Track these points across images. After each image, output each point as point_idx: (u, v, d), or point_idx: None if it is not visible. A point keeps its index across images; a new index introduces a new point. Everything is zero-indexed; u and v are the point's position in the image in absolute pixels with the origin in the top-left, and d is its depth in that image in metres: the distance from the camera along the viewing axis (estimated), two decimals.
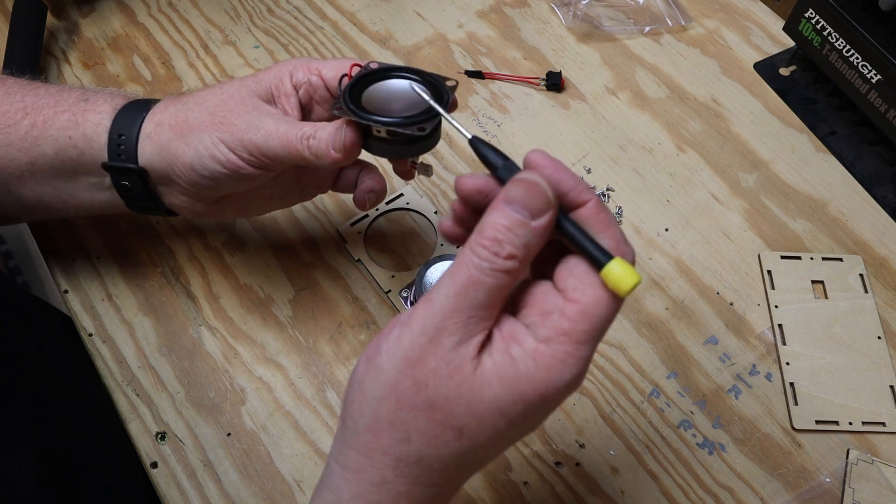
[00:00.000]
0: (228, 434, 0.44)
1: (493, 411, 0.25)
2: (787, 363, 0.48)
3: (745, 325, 0.50)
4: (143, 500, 0.42)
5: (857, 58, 0.55)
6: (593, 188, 0.55)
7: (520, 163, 0.28)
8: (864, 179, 0.57)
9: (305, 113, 0.41)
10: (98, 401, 0.45)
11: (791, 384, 0.47)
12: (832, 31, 0.57)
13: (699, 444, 0.45)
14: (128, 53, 0.64)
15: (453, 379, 0.25)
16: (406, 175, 0.43)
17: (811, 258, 0.52)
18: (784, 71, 0.63)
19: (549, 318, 0.26)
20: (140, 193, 0.40)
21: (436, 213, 0.54)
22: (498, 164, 0.28)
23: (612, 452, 0.45)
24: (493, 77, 0.62)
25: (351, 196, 0.43)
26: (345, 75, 0.38)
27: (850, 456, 0.44)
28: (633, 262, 0.27)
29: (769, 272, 0.52)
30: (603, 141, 0.59)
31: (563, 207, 0.27)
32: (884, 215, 0.55)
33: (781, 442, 0.45)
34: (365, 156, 0.44)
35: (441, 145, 0.58)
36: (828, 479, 0.44)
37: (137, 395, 0.46)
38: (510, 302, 0.28)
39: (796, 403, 0.46)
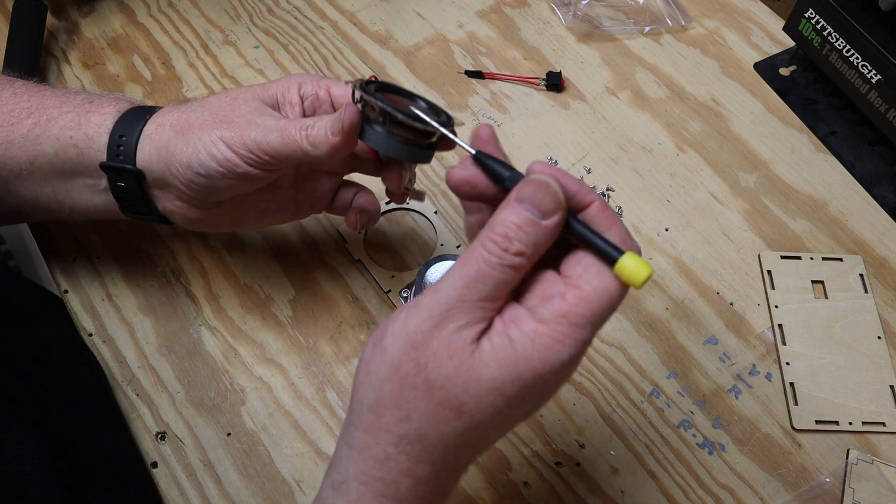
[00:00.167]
0: (228, 434, 0.44)
1: (491, 391, 0.26)
2: (787, 363, 0.48)
3: (745, 325, 0.50)
4: (146, 498, 0.42)
5: (857, 58, 0.55)
6: (593, 188, 0.55)
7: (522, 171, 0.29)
8: (864, 179, 0.57)
9: None
10: (101, 396, 0.45)
11: (791, 384, 0.47)
12: (832, 31, 0.57)
13: (699, 444, 0.45)
14: (128, 53, 0.64)
15: (452, 360, 0.26)
16: (397, 198, 0.44)
17: (811, 258, 0.52)
18: (784, 71, 0.63)
19: (549, 301, 0.27)
20: (135, 196, 0.40)
21: (436, 212, 0.54)
22: (504, 175, 0.29)
23: (612, 452, 0.45)
24: (493, 77, 0.62)
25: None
26: (359, 79, 0.39)
27: (850, 456, 0.44)
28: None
29: (769, 272, 0.52)
30: (603, 141, 0.59)
31: (570, 209, 0.28)
32: (884, 215, 0.55)
33: (781, 442, 0.45)
34: (362, 180, 0.44)
35: None
36: (828, 479, 0.44)
37: (137, 395, 0.46)
38: (514, 289, 0.29)
39: (796, 403, 0.46)
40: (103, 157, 0.39)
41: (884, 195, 0.56)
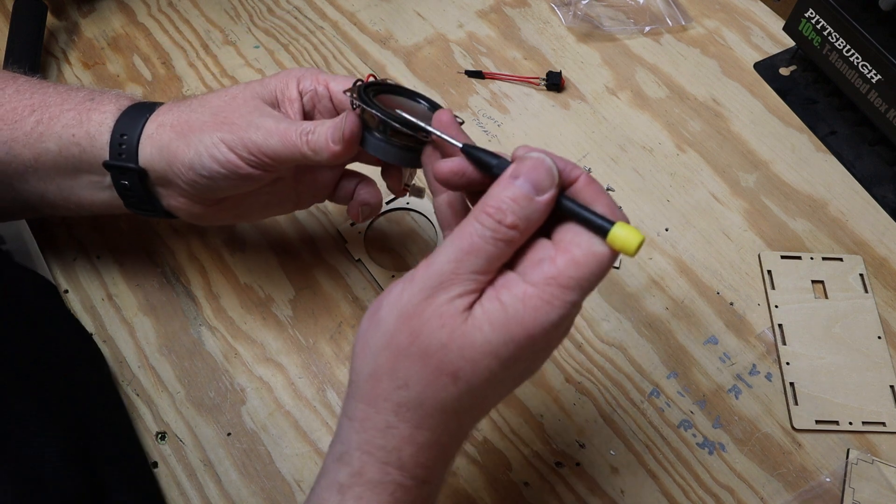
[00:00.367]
0: (228, 434, 0.44)
1: (485, 354, 0.27)
2: (787, 363, 0.48)
3: (745, 325, 0.50)
4: (153, 483, 0.42)
5: (857, 58, 0.55)
6: None
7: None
8: (864, 179, 0.57)
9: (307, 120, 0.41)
10: (107, 386, 0.45)
11: (791, 384, 0.47)
12: (832, 31, 0.57)
13: (699, 443, 0.45)
14: (128, 53, 0.64)
15: (445, 328, 0.27)
16: (397, 194, 0.44)
17: (811, 258, 0.52)
18: (784, 71, 0.63)
19: (539, 265, 0.27)
20: (139, 194, 0.40)
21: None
22: (492, 163, 0.30)
23: (612, 452, 0.45)
24: (493, 77, 0.62)
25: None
26: (359, 79, 0.39)
27: (850, 456, 0.44)
28: None
29: (769, 272, 0.52)
30: (603, 141, 0.59)
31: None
32: (884, 215, 0.55)
33: (781, 442, 0.45)
34: (363, 169, 0.44)
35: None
36: (828, 479, 0.44)
37: (137, 395, 0.46)
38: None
39: (796, 403, 0.46)
40: (106, 156, 0.39)
41: (884, 195, 0.56)
